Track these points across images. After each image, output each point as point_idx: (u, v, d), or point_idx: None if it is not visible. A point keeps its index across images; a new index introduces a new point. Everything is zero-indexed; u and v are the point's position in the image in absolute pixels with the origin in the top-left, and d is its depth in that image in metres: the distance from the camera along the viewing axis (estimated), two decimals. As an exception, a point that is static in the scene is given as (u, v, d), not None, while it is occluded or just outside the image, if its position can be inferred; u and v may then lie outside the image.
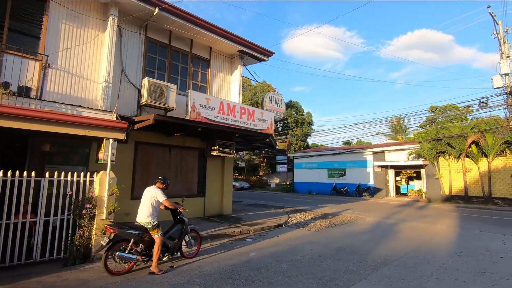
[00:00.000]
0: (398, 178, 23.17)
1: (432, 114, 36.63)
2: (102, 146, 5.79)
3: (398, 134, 41.04)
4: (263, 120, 11.28)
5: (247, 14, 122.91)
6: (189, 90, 9.08)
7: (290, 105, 48.31)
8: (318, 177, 27.73)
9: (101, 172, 5.79)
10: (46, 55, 6.71)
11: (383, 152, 23.18)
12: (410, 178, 22.58)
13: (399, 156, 21.96)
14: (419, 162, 20.15)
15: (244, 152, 37.79)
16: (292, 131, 44.74)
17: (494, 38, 17.96)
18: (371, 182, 23.62)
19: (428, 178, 20.29)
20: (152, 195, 4.74)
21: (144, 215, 4.64)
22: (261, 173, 44.86)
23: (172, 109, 8.66)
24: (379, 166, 22.98)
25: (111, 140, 5.77)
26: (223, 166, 10.94)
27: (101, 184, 5.67)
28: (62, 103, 6.57)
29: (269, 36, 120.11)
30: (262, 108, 12.33)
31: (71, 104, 6.70)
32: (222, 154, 10.04)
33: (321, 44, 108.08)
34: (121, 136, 5.94)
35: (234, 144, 10.40)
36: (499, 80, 17.09)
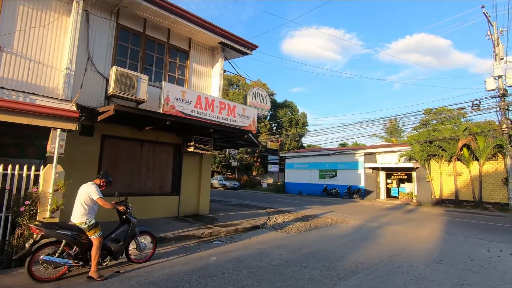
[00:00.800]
0: (389, 181, 22.81)
1: (427, 116, 36.29)
2: (50, 137, 5.25)
3: (393, 136, 40.69)
4: (244, 117, 10.76)
5: (247, 13, 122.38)
6: (163, 82, 8.53)
7: (285, 105, 47.99)
8: (309, 177, 27.29)
9: (48, 165, 5.25)
10: (-5, 37, 6.14)
11: (374, 153, 22.78)
12: (401, 181, 22.21)
13: (391, 158, 21.55)
14: (410, 164, 19.76)
15: (236, 151, 37.28)
16: (286, 130, 44.29)
17: (488, 39, 17.59)
18: (362, 184, 23.21)
19: (419, 181, 19.92)
20: (86, 191, 4.19)
21: (78, 215, 4.10)
22: (254, 173, 44.33)
23: (143, 101, 8.11)
24: (370, 168, 22.59)
25: (58, 130, 5.23)
26: (200, 164, 10.41)
27: (46, 179, 5.14)
28: (12, 90, 6.02)
29: (268, 36, 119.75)
30: (245, 104, 11.83)
31: (23, 91, 6.14)
32: (198, 151, 9.53)
33: (320, 45, 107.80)
34: (72, 126, 5.41)
35: (212, 140, 9.89)
36: (492, 82, 16.72)
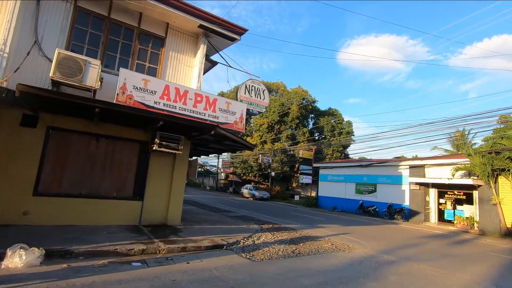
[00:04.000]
0: (442, 200, 18.45)
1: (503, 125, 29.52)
2: None
3: (461, 151, 34.30)
4: (228, 112, 9.13)
5: (302, 26, 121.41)
6: (120, 69, 7.46)
7: (328, 113, 44.77)
8: (345, 192, 23.98)
9: None
10: None
11: (422, 166, 18.78)
12: (458, 202, 17.74)
13: (443, 173, 17.44)
14: (469, 181, 15.53)
15: (270, 160, 35.34)
16: (328, 140, 40.91)
17: None
18: (406, 203, 19.30)
19: (481, 203, 15.51)
20: None
21: None
22: (294, 184, 41.72)
23: (93, 89, 7.07)
24: (416, 183, 18.65)
25: None
26: (173, 166, 8.96)
27: None
28: None
29: (325, 46, 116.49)
30: (236, 99, 10.18)
31: None
32: (164, 149, 8.11)
33: (379, 54, 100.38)
34: None
35: (183, 138, 8.40)
36: None
